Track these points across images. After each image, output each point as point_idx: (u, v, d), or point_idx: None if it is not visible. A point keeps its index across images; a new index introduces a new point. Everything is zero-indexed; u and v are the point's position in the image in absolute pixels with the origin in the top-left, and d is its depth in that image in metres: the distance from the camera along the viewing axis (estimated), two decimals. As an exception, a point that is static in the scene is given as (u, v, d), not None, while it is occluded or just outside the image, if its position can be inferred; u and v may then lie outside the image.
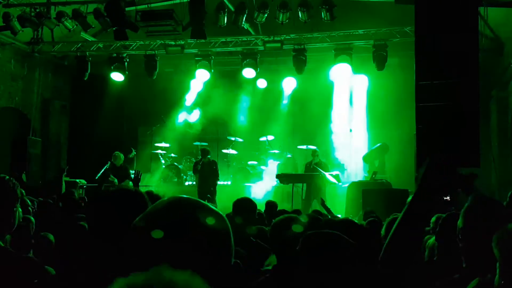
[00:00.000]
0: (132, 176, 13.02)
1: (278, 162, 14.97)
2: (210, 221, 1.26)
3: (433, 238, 3.66)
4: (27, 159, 13.13)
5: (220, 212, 1.33)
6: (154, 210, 1.31)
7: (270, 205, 7.57)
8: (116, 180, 12.75)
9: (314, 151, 13.38)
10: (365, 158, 14.44)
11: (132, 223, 1.29)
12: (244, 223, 4.49)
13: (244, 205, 4.95)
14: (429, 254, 3.63)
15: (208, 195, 11.59)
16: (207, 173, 12.84)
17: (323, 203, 8.28)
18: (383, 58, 12.85)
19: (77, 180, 12.93)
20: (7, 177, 2.48)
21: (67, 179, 13.21)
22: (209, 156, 13.05)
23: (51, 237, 4.58)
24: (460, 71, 5.20)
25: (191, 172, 14.90)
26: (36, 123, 14.95)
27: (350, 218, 7.37)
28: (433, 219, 5.22)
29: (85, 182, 13.14)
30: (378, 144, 14.20)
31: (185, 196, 1.35)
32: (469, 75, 5.06)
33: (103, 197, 2.26)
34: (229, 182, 14.32)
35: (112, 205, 2.15)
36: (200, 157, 13.25)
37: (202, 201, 1.35)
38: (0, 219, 2.40)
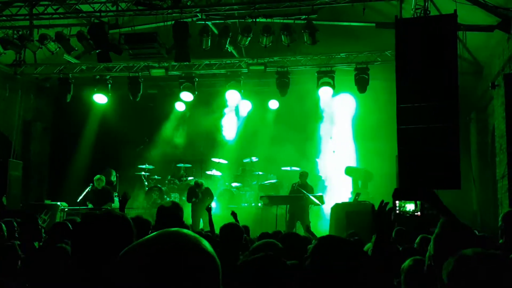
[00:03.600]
0: (116, 198, 12.98)
1: (261, 183, 14.97)
2: (199, 261, 1.20)
3: (408, 261, 3.68)
4: (8, 182, 12.92)
5: (211, 252, 1.24)
6: (141, 246, 1.22)
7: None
8: (90, 205, 12.56)
9: (302, 172, 13.38)
10: (347, 170, 14.55)
11: (119, 254, 1.22)
12: (232, 249, 4.57)
13: (230, 231, 4.95)
14: (405, 278, 3.66)
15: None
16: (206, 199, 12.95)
17: (308, 229, 8.24)
18: (365, 81, 12.99)
19: (59, 203, 12.75)
20: None
21: (49, 202, 13.04)
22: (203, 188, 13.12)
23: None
24: (440, 94, 5.32)
25: (175, 193, 14.83)
26: (17, 145, 14.76)
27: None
28: (417, 239, 5.25)
29: (67, 205, 12.96)
30: (364, 168, 14.38)
31: (176, 231, 1.25)
32: (449, 98, 5.17)
33: (89, 221, 2.22)
34: (213, 204, 14.25)
35: (98, 230, 2.12)
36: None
37: (194, 236, 1.24)
38: None
